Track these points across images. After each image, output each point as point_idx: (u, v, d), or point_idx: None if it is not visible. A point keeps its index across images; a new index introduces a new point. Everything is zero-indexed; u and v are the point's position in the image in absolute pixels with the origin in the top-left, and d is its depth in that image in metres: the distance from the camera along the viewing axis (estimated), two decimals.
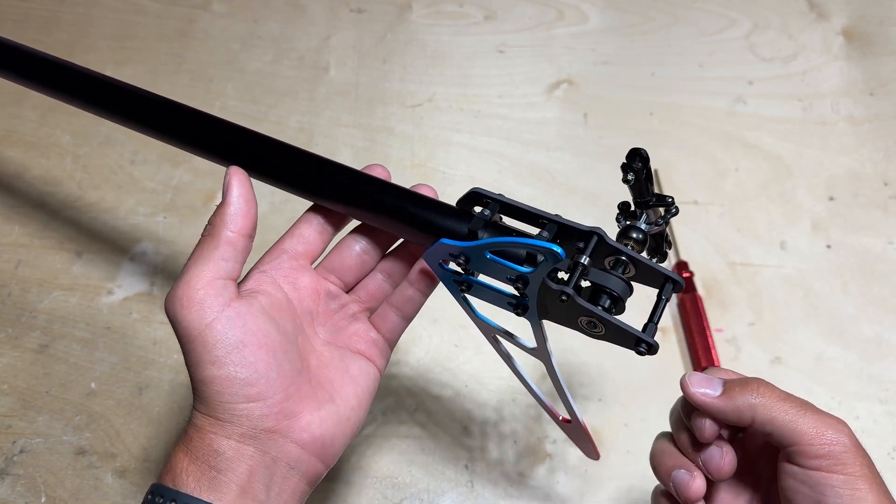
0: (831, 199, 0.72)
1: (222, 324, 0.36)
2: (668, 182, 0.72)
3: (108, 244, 0.68)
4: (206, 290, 0.36)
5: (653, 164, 0.72)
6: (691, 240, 0.69)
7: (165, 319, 0.63)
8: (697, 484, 0.37)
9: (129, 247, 0.68)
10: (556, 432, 0.59)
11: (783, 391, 0.37)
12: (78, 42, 0.81)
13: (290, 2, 0.85)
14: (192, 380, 0.36)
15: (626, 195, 0.41)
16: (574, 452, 0.58)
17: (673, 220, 0.69)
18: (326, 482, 0.56)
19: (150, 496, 0.36)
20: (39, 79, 0.50)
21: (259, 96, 0.78)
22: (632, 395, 0.61)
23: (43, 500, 0.56)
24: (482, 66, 0.81)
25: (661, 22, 0.84)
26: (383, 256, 0.44)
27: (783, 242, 0.69)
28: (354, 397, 0.40)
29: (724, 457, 0.38)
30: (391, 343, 0.44)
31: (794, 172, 0.73)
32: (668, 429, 0.42)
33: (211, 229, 0.38)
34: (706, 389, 0.37)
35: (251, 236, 0.39)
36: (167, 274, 0.66)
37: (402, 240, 0.44)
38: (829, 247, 0.69)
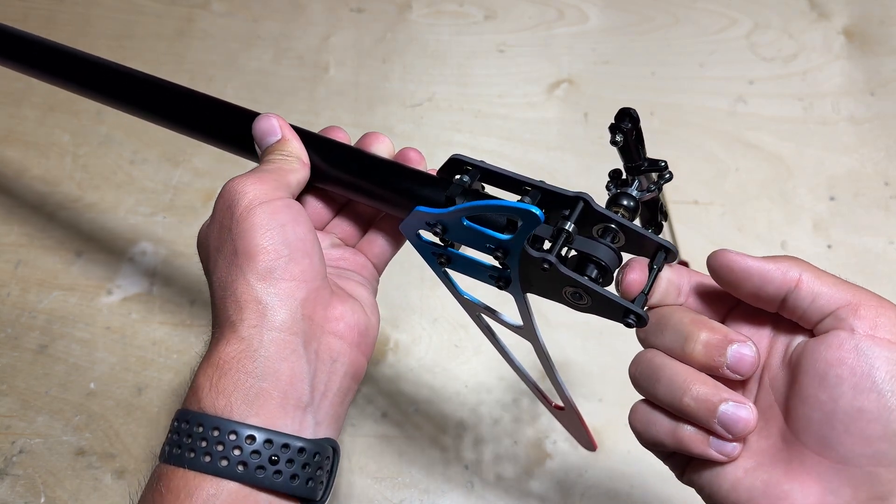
0: (832, 198, 0.72)
1: (287, 202, 0.37)
2: (669, 182, 0.72)
3: (108, 244, 0.68)
4: (277, 180, 0.38)
5: None
6: (692, 240, 0.69)
7: (165, 319, 0.64)
8: (755, 413, 0.32)
9: (129, 247, 0.68)
10: (556, 433, 0.59)
11: None
12: (77, 41, 0.80)
13: (290, 1, 0.85)
14: (241, 253, 0.35)
15: None
16: (574, 453, 0.58)
17: (674, 221, 0.69)
18: None
19: (175, 423, 0.33)
20: (41, 65, 0.50)
21: (259, 96, 0.77)
22: (633, 395, 0.61)
23: (42, 500, 0.55)
24: (482, 66, 0.81)
25: (661, 22, 0.84)
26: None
27: (784, 242, 0.69)
28: (367, 296, 0.40)
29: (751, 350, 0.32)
30: (378, 269, 0.44)
31: (794, 172, 0.73)
32: None
33: (282, 158, 0.39)
34: (738, 256, 0.33)
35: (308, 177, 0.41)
36: (166, 274, 0.66)
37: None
38: (829, 247, 0.69)
